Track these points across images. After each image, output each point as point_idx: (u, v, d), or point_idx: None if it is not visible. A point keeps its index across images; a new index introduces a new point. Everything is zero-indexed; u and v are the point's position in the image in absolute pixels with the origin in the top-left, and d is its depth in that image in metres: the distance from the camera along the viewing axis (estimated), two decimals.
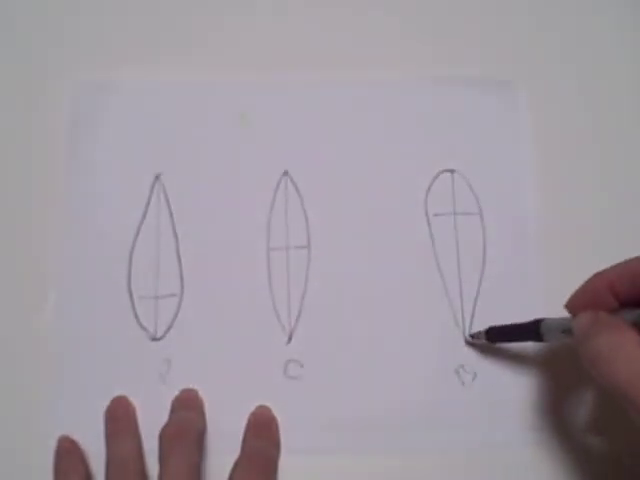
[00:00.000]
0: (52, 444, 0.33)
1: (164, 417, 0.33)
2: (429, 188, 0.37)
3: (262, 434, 0.33)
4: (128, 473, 0.32)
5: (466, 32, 0.40)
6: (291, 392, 0.34)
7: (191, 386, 0.34)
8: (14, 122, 0.38)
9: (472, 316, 0.36)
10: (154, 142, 0.38)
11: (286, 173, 0.37)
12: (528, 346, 0.35)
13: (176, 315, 0.35)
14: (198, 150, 0.38)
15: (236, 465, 0.32)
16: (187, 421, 0.32)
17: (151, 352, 0.35)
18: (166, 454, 0.31)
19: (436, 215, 0.37)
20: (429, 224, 0.37)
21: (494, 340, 0.34)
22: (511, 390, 0.35)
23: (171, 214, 0.37)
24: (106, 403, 0.34)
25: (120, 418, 0.34)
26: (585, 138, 0.38)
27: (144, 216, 0.37)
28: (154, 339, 0.35)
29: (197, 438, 0.32)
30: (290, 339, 0.35)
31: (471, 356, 0.35)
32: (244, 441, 0.33)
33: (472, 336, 0.35)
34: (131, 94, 0.38)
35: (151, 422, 0.33)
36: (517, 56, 0.40)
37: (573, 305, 0.31)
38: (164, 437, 0.31)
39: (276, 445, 0.33)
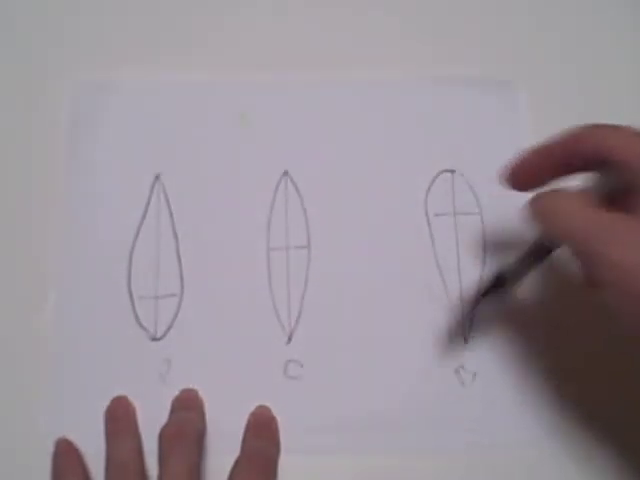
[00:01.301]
0: (52, 444, 0.33)
1: (164, 417, 0.33)
2: (429, 188, 0.37)
3: (262, 434, 0.33)
4: (128, 473, 0.32)
5: (466, 32, 0.40)
6: (291, 392, 0.34)
7: (191, 386, 0.34)
8: (14, 122, 0.38)
9: (472, 316, 0.36)
10: (154, 142, 0.38)
11: (286, 173, 0.37)
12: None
13: (176, 315, 0.35)
14: (198, 150, 0.38)
15: (236, 465, 0.32)
16: (187, 421, 0.32)
17: (151, 352, 0.35)
18: (166, 455, 0.31)
19: (436, 215, 0.37)
20: (429, 224, 0.37)
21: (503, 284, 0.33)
22: (511, 390, 0.35)
23: (171, 214, 0.37)
24: (106, 403, 0.34)
25: (120, 418, 0.34)
26: None
27: (144, 216, 0.37)
28: (154, 339, 0.35)
29: (197, 438, 0.32)
30: (290, 339, 0.35)
31: (471, 356, 0.35)
32: (244, 441, 0.33)
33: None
34: (131, 94, 0.39)
35: (151, 422, 0.32)
36: (517, 56, 0.40)
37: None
38: (164, 438, 0.31)
39: (276, 445, 0.33)
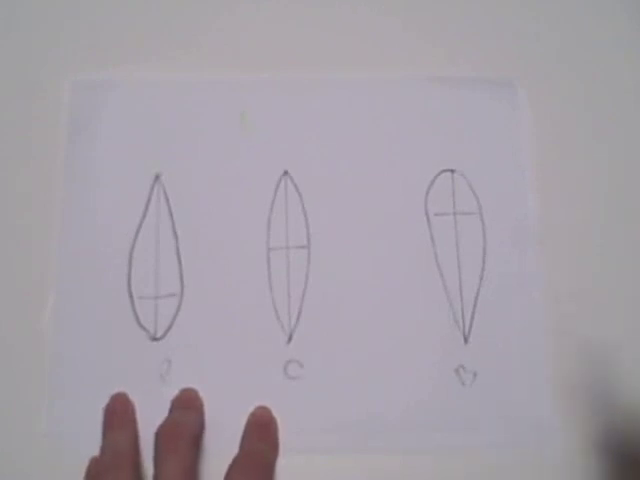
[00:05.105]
0: (51, 445, 0.33)
1: (164, 417, 0.33)
2: (429, 188, 0.37)
3: (261, 435, 0.33)
4: (121, 463, 0.31)
5: (466, 32, 0.40)
6: (291, 392, 0.34)
7: (191, 386, 0.34)
8: (13, 122, 0.38)
9: (472, 316, 0.36)
10: (154, 142, 0.38)
11: (286, 173, 0.37)
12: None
13: (176, 315, 0.35)
14: (198, 150, 0.38)
15: (233, 465, 0.31)
16: (183, 422, 0.32)
17: (151, 352, 0.35)
18: (161, 456, 0.31)
19: (436, 215, 0.37)
20: (429, 224, 0.37)
21: None
22: (511, 390, 0.35)
23: (171, 214, 0.37)
24: (106, 403, 0.34)
25: (117, 411, 0.33)
26: (585, 138, 0.38)
27: (144, 216, 0.37)
28: (154, 339, 0.35)
29: (193, 439, 0.32)
30: (290, 339, 0.35)
31: (471, 356, 0.35)
32: (242, 441, 0.33)
33: None
34: (131, 93, 0.38)
35: (151, 422, 0.32)
36: (517, 56, 0.40)
37: None
38: (159, 438, 0.31)
39: (274, 447, 0.33)
